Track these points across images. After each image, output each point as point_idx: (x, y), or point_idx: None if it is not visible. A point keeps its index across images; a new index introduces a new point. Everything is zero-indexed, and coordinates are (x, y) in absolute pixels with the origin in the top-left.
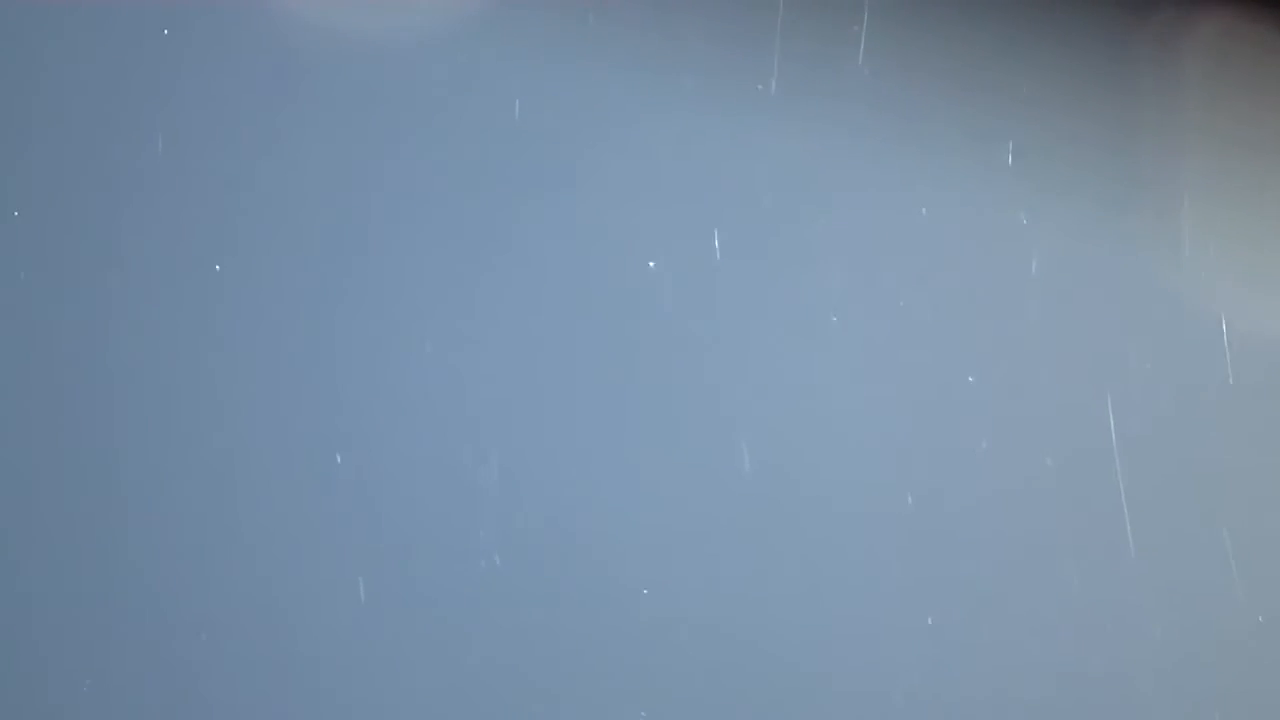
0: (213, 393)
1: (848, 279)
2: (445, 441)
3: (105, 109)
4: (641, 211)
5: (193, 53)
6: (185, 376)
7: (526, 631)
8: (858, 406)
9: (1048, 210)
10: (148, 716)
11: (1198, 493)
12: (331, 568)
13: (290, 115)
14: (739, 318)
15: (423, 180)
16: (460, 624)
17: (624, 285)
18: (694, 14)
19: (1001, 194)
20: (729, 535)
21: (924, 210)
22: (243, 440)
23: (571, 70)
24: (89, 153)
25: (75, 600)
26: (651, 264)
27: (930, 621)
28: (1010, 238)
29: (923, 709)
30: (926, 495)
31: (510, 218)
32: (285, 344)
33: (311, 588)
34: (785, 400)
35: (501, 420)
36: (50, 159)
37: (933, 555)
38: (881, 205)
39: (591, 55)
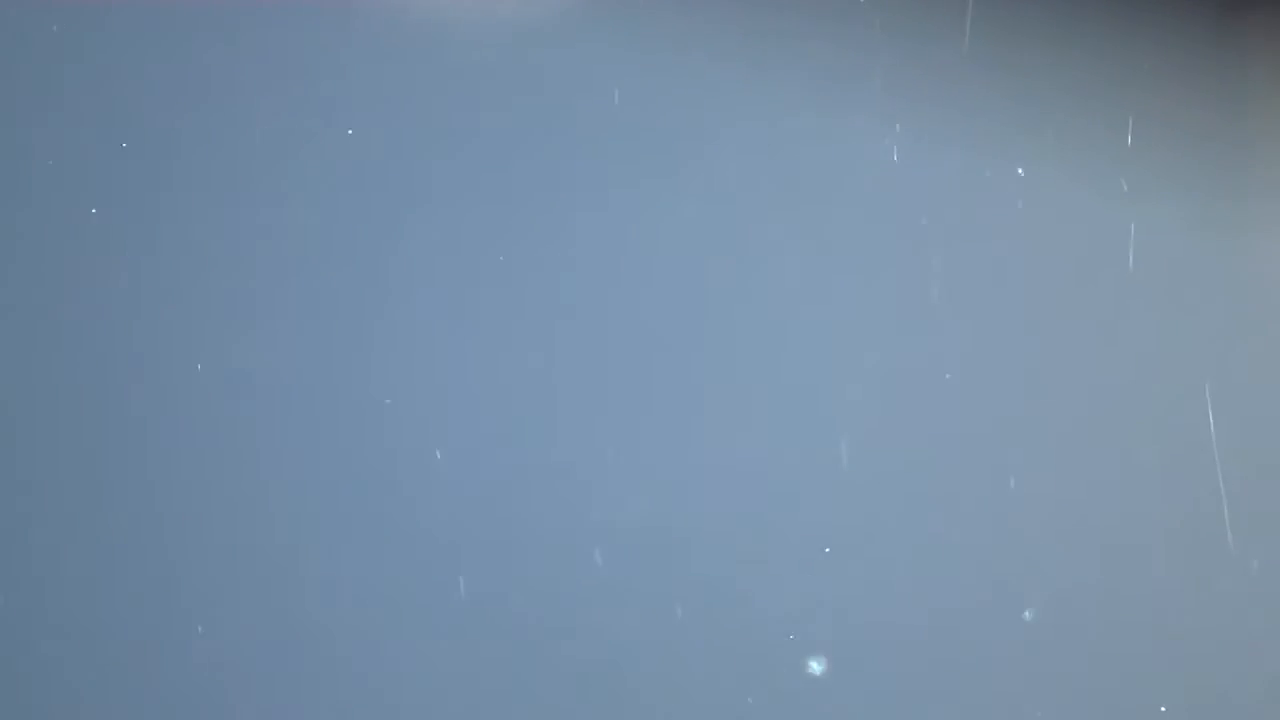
0: (312, 389)
1: (952, 270)
2: (542, 441)
3: (164, 104)
4: (747, 202)
5: (280, 34)
6: (285, 374)
7: (629, 628)
8: (959, 397)
9: (1156, 202)
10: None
11: None
12: (432, 566)
13: (391, 100)
14: (839, 306)
15: (523, 175)
16: (561, 622)
17: (728, 277)
18: (797, 7)
19: (1109, 182)
20: (831, 528)
21: (1020, 204)
22: (346, 438)
23: (669, 62)
24: (169, 153)
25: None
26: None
27: (1028, 616)
28: (1113, 226)
29: (1020, 698)
30: (1026, 489)
31: (611, 211)
32: (382, 343)
33: (408, 585)
34: (889, 387)
35: (603, 417)
36: (83, 157)
37: (1031, 549)
38: (984, 197)
39: (690, 48)
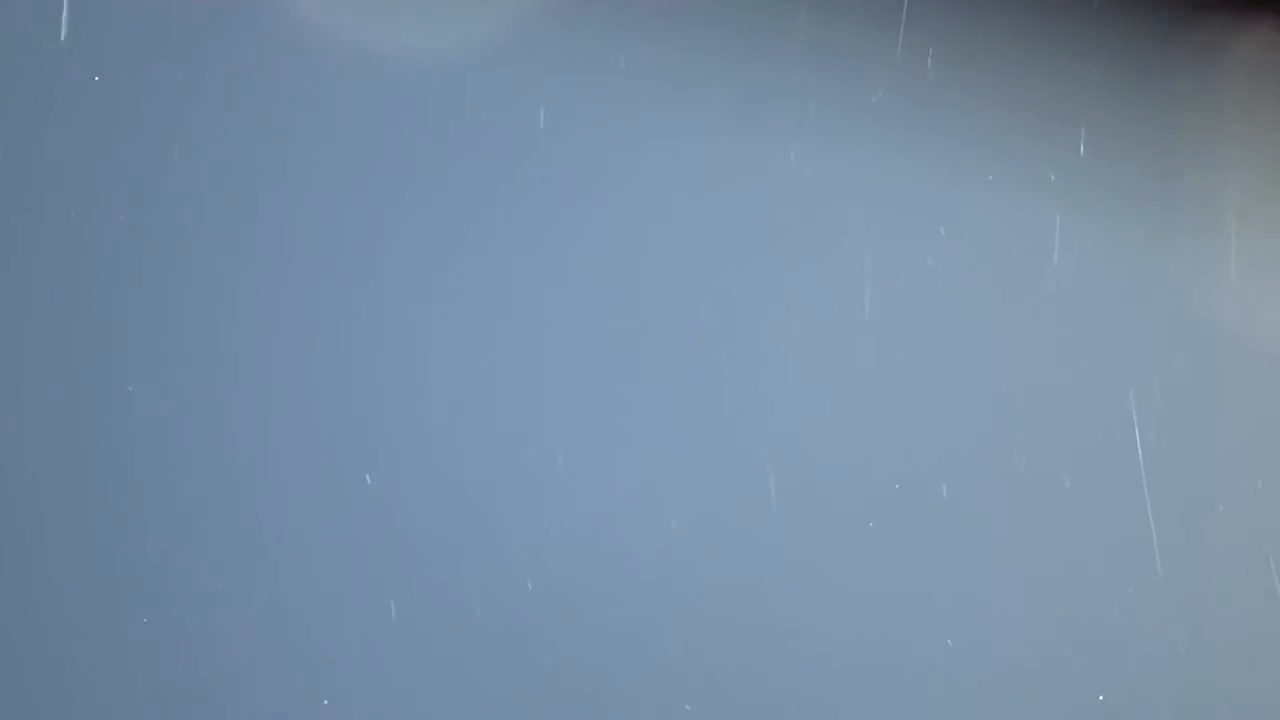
0: (239, 413)
1: (876, 293)
2: (476, 463)
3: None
4: (669, 224)
5: (216, 71)
6: (213, 396)
7: (559, 655)
8: (881, 428)
9: (1084, 225)
10: None
11: (1232, 514)
12: (363, 590)
13: (316, 128)
14: (761, 329)
15: (452, 195)
16: (492, 648)
17: (654, 301)
18: (724, 27)
19: (1037, 205)
20: (759, 545)
21: (942, 229)
22: (271, 462)
23: (598, 81)
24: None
25: (93, 626)
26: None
27: (951, 644)
28: (1038, 249)
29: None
30: (954, 516)
31: (543, 235)
32: (312, 363)
33: (342, 610)
34: (806, 417)
35: (533, 441)
36: (82, 165)
37: (956, 578)
38: (909, 216)
39: (619, 68)
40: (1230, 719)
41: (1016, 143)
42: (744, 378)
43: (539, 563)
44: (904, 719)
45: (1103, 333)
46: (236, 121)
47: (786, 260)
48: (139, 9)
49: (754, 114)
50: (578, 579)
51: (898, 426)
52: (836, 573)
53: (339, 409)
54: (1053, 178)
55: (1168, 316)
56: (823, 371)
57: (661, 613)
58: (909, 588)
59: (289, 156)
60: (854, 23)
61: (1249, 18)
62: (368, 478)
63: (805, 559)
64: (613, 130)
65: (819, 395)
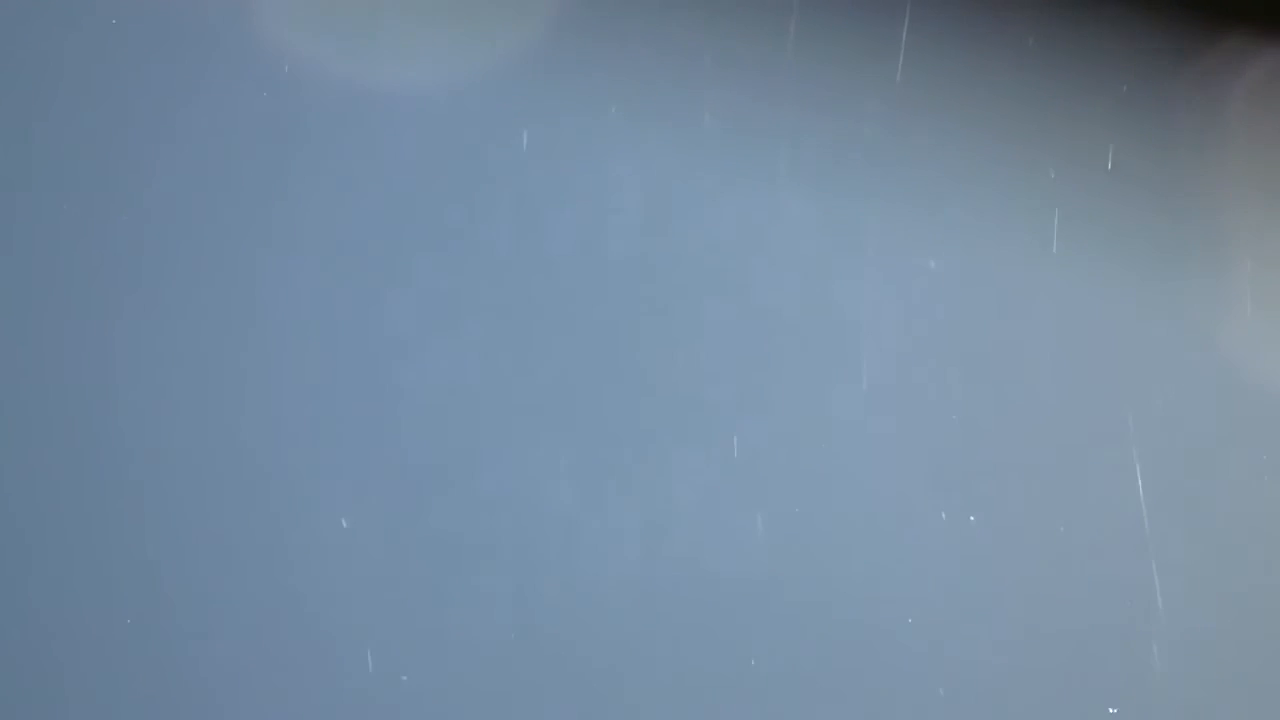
0: (238, 430)
1: (872, 326)
2: (456, 508)
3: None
4: (656, 252)
5: (207, 100)
6: (209, 415)
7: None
8: (883, 452)
9: (1084, 266)
10: None
11: (1231, 554)
12: (341, 635)
13: (303, 151)
14: (757, 351)
15: (434, 224)
16: (473, 701)
17: (639, 329)
18: (712, 54)
19: (1036, 245)
20: (752, 572)
21: (932, 263)
22: (254, 504)
23: (582, 106)
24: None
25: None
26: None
27: (942, 693)
28: (1040, 277)
29: None
30: (957, 561)
31: (526, 270)
32: (295, 404)
33: (320, 655)
34: (804, 448)
35: (516, 487)
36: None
37: (960, 620)
38: (908, 241)
39: (604, 93)
40: None
41: (1013, 174)
42: (743, 399)
43: (541, 578)
44: None
45: (1105, 362)
46: (228, 149)
47: (786, 288)
48: (141, 12)
49: (754, 127)
50: (579, 596)
51: (900, 451)
52: (837, 596)
53: (335, 420)
54: (1055, 191)
55: (1172, 348)
56: (823, 395)
57: (661, 625)
58: (912, 613)
59: (279, 174)
60: (849, 66)
61: (1259, 45)
62: (344, 522)
63: (806, 583)
64: (604, 160)
65: (817, 420)
